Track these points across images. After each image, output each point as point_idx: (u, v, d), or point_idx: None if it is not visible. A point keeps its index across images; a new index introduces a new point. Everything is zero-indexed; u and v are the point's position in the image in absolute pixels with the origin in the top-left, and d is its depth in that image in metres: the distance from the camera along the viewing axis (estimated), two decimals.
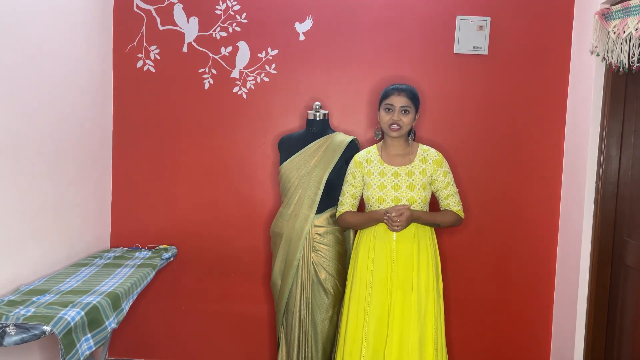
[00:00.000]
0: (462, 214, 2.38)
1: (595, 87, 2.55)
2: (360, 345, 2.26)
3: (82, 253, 2.68)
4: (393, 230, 2.24)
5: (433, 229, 2.38)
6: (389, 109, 2.32)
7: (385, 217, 2.23)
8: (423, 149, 2.39)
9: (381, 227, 2.31)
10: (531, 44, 2.85)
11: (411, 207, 2.27)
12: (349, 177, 2.43)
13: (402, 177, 2.32)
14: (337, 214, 2.44)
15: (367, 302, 2.28)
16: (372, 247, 2.32)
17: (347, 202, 2.41)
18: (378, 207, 2.31)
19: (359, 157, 2.43)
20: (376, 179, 2.34)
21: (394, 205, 2.27)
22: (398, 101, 2.31)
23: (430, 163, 2.35)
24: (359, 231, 2.42)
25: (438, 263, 2.36)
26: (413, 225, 2.29)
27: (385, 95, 2.35)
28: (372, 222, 2.32)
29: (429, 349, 2.24)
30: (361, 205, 2.46)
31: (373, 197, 2.32)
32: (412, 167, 2.34)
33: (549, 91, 2.86)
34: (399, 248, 2.28)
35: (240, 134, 2.93)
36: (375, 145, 2.46)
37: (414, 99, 2.35)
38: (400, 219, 2.19)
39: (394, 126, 2.30)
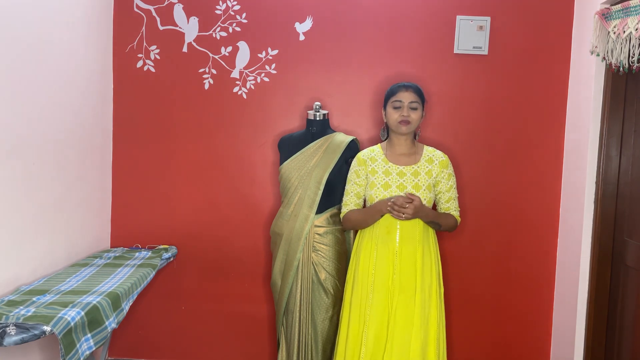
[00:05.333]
0: (459, 220, 2.38)
1: (595, 87, 2.55)
2: (359, 350, 2.25)
3: (82, 253, 2.68)
4: (399, 218, 2.17)
5: (435, 231, 2.37)
6: (397, 106, 2.31)
7: (389, 204, 2.17)
8: (429, 150, 2.38)
9: (383, 230, 2.28)
10: (531, 44, 2.85)
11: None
12: (352, 176, 2.40)
13: (407, 177, 2.31)
14: (342, 215, 2.40)
15: (367, 307, 2.26)
16: (374, 251, 2.28)
17: (351, 202, 2.38)
18: None
19: (362, 155, 2.41)
20: (380, 177, 2.32)
21: (402, 194, 2.23)
22: (407, 97, 2.30)
23: (436, 164, 2.34)
24: (359, 233, 2.40)
25: (440, 266, 2.35)
26: (417, 228, 2.27)
27: (392, 92, 2.34)
28: (376, 214, 2.26)
29: (431, 353, 2.22)
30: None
31: (377, 197, 2.30)
32: (418, 167, 2.32)
33: (549, 91, 2.86)
34: (402, 251, 2.25)
35: (240, 134, 2.93)
36: (379, 144, 2.45)
37: (421, 95, 2.34)
38: (409, 205, 2.13)
39: (404, 122, 2.29)
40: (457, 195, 2.39)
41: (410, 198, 2.16)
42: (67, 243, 2.54)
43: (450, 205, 2.35)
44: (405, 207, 2.14)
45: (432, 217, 2.26)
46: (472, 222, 2.91)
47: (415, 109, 2.31)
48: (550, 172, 2.89)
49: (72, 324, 1.79)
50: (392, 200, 2.17)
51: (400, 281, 2.24)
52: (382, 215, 2.26)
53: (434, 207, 2.42)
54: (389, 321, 2.23)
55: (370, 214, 2.28)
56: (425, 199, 2.28)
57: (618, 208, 2.54)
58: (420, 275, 2.25)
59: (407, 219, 2.17)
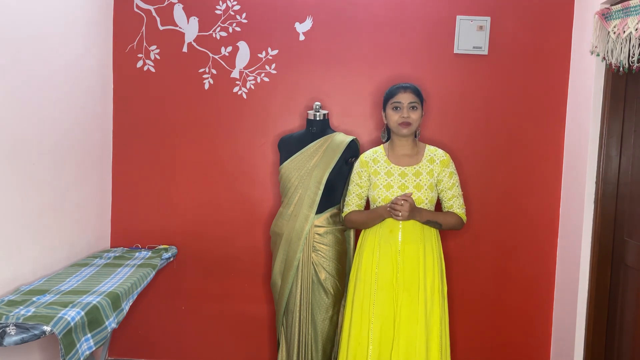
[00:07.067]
0: (464, 218, 2.36)
1: (595, 87, 2.55)
2: (366, 348, 2.25)
3: (82, 253, 2.68)
4: (396, 219, 2.17)
5: (438, 230, 2.37)
6: (397, 107, 2.31)
7: (388, 207, 2.18)
8: (430, 149, 2.38)
9: (385, 229, 2.29)
10: (531, 44, 2.85)
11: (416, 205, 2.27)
12: (354, 177, 2.42)
13: (409, 177, 2.31)
14: (343, 214, 2.43)
15: (371, 305, 2.27)
16: (376, 249, 2.30)
17: (353, 203, 2.40)
18: None
19: (365, 156, 2.42)
20: (383, 178, 2.33)
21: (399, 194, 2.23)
22: (405, 98, 2.30)
23: (437, 163, 2.34)
24: (362, 232, 2.41)
25: (443, 265, 2.35)
26: (419, 226, 2.27)
27: (391, 94, 2.34)
28: (377, 218, 2.28)
29: (434, 351, 2.23)
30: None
31: (379, 197, 2.31)
32: (420, 167, 2.33)
33: (549, 91, 2.86)
34: (405, 250, 2.26)
35: (240, 134, 2.93)
36: (381, 145, 2.45)
37: (420, 95, 2.34)
38: (404, 203, 2.13)
39: (404, 123, 2.29)
40: (462, 193, 2.38)
41: (405, 197, 2.16)
42: (67, 243, 2.54)
43: (453, 203, 2.34)
44: (400, 205, 2.14)
45: (429, 216, 2.26)
46: (472, 222, 2.91)
47: (415, 108, 2.31)
48: (550, 172, 2.89)
49: (72, 324, 1.79)
50: (390, 203, 2.18)
51: (404, 280, 2.25)
52: (382, 219, 2.28)
53: (437, 206, 2.42)
54: (395, 320, 2.24)
55: (371, 217, 2.30)
56: (427, 198, 2.28)
57: (618, 208, 2.54)
58: (422, 273, 2.25)
59: (404, 218, 2.16)
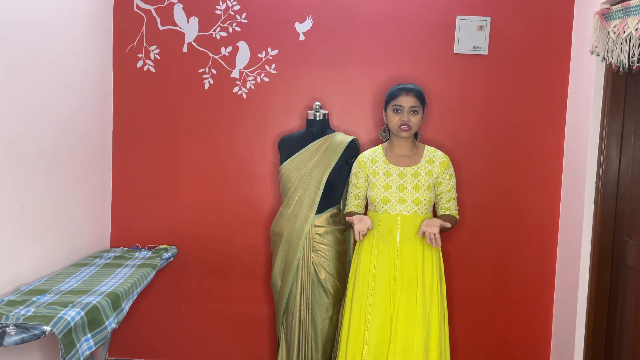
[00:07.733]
0: (458, 218, 2.39)
1: (595, 87, 2.55)
2: (362, 348, 2.25)
3: (82, 253, 2.68)
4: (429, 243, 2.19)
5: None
6: (397, 110, 2.31)
7: (357, 231, 2.21)
8: (429, 150, 2.39)
9: (384, 229, 2.29)
10: (531, 44, 2.85)
11: (417, 210, 2.28)
12: (352, 178, 2.43)
13: (407, 178, 2.31)
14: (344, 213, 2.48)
15: (368, 305, 2.27)
16: (374, 249, 2.30)
17: (350, 203, 2.43)
18: (382, 207, 2.30)
19: (362, 157, 2.43)
20: (381, 179, 2.33)
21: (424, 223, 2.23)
22: (407, 102, 2.30)
23: (436, 164, 2.34)
24: None
25: (441, 265, 2.35)
26: (418, 227, 2.27)
27: (393, 95, 2.33)
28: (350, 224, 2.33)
29: (434, 352, 2.23)
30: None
31: (377, 197, 2.31)
32: (418, 167, 2.33)
33: (549, 91, 2.86)
34: (403, 250, 2.27)
35: (240, 134, 2.93)
36: (380, 145, 2.45)
37: (422, 98, 2.34)
38: (434, 228, 2.17)
39: (404, 127, 2.29)
40: (457, 195, 2.40)
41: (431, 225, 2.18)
42: (67, 243, 2.54)
43: (450, 205, 2.36)
44: (433, 235, 2.16)
45: (443, 224, 2.24)
46: (472, 222, 2.91)
47: (415, 112, 2.31)
48: (550, 172, 2.89)
49: (72, 324, 1.79)
50: (358, 229, 2.22)
51: (402, 280, 2.25)
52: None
53: (433, 206, 2.42)
54: (392, 320, 2.24)
55: (350, 223, 2.34)
56: (425, 199, 2.29)
57: (618, 208, 2.54)
58: (421, 273, 2.25)
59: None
